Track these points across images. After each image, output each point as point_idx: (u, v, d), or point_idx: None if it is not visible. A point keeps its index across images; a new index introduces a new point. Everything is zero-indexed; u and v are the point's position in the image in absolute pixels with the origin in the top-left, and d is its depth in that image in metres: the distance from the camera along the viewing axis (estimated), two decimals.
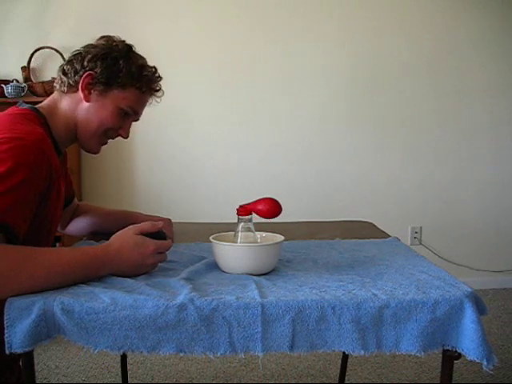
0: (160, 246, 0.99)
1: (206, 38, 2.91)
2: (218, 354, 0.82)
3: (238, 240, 1.05)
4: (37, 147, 0.97)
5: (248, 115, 2.99)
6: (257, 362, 2.11)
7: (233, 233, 1.07)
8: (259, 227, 1.09)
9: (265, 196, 1.07)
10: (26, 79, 2.76)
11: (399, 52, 3.00)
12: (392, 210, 3.06)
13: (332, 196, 3.04)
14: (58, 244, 2.48)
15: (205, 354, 0.82)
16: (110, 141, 1.26)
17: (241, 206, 1.06)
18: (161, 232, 1.02)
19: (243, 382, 1.99)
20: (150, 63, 1.24)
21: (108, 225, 1.36)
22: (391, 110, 3.04)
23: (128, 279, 0.94)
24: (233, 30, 2.93)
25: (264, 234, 1.10)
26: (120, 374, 1.76)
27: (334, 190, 3.04)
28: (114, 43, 1.20)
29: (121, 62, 1.16)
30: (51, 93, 3.08)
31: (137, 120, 1.27)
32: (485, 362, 0.81)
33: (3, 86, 2.66)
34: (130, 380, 1.87)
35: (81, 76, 1.15)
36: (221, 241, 1.03)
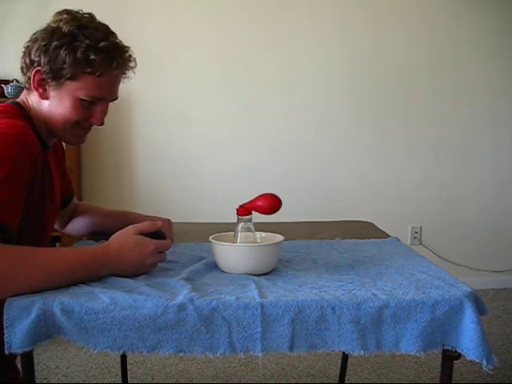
0: (159, 246, 0.99)
1: (206, 38, 2.91)
2: (218, 354, 0.82)
3: (238, 240, 1.05)
4: (18, 139, 0.95)
5: (248, 115, 2.99)
6: (257, 362, 2.11)
7: (232, 233, 1.07)
8: (259, 227, 1.09)
9: (260, 192, 1.07)
10: None
11: (399, 52, 3.00)
12: (392, 210, 3.05)
13: (332, 196, 3.04)
14: (57, 244, 2.48)
15: (204, 354, 0.82)
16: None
17: (240, 206, 1.06)
18: (160, 232, 1.02)
19: (243, 382, 1.99)
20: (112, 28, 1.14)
21: (107, 225, 1.35)
22: (391, 110, 3.04)
23: (128, 279, 0.94)
24: (233, 30, 2.93)
25: (264, 234, 1.10)
26: (120, 374, 1.76)
27: (334, 189, 3.04)
28: (60, 24, 1.07)
29: (62, 51, 1.04)
30: None
31: (111, 101, 1.15)
32: (485, 362, 0.81)
33: (3, 86, 2.66)
34: (129, 380, 1.87)
35: (31, 74, 1.07)
36: (220, 241, 1.03)
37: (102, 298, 0.83)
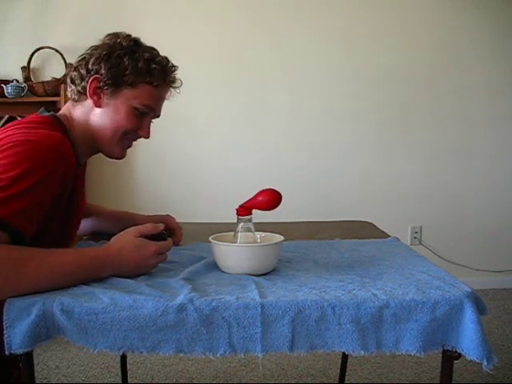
0: (161, 248, 0.99)
1: (207, 38, 2.91)
2: (218, 354, 0.82)
3: (238, 240, 1.05)
4: (54, 150, 0.96)
5: (249, 115, 2.99)
6: (256, 362, 2.11)
7: (232, 233, 1.07)
8: (259, 227, 1.09)
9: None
10: (26, 79, 2.76)
11: (399, 52, 3.00)
12: (392, 210, 3.05)
13: (332, 196, 3.04)
14: None
15: (204, 355, 0.82)
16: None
17: (240, 206, 1.06)
18: (161, 233, 1.02)
19: (243, 382, 1.99)
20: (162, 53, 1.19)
21: (108, 226, 1.35)
22: (391, 110, 3.04)
23: (128, 279, 0.94)
24: (233, 30, 2.92)
25: (264, 234, 1.10)
26: (120, 374, 1.76)
27: (334, 190, 3.04)
28: (118, 40, 1.13)
29: (125, 59, 1.10)
30: (51, 93, 3.05)
31: (157, 117, 1.21)
32: (485, 362, 0.81)
33: (3, 85, 2.66)
34: (129, 380, 1.87)
35: (87, 81, 1.11)
36: (220, 241, 1.03)
37: (102, 299, 0.83)
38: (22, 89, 2.68)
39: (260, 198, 1.05)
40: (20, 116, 2.66)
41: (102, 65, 1.10)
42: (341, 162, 3.04)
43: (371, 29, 2.98)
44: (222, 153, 2.98)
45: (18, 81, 2.73)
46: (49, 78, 2.72)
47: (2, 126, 2.64)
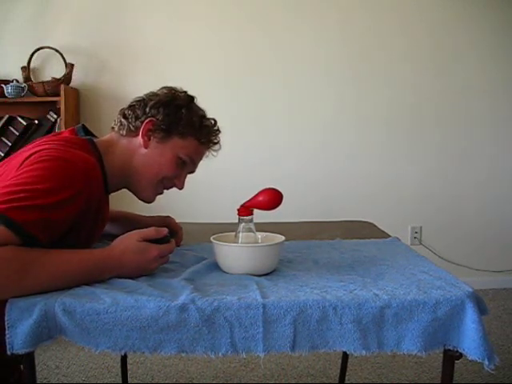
0: (163, 251, 0.99)
1: (207, 38, 2.91)
2: (220, 354, 0.82)
3: (239, 240, 1.05)
4: (84, 173, 0.98)
5: (249, 115, 2.99)
6: (257, 362, 2.11)
7: (234, 233, 1.07)
8: (260, 227, 1.09)
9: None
10: (26, 79, 2.76)
11: (399, 52, 3.00)
12: (392, 210, 3.05)
13: (332, 196, 3.04)
14: None
15: (206, 355, 0.82)
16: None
17: (241, 206, 1.06)
18: (165, 236, 1.01)
19: (243, 382, 1.99)
20: (209, 115, 1.25)
21: (109, 226, 1.35)
22: (391, 110, 3.04)
23: (129, 280, 0.94)
24: (234, 30, 2.93)
25: (265, 235, 1.10)
26: (120, 374, 1.77)
27: (335, 190, 3.04)
28: (177, 93, 1.20)
29: (183, 110, 1.17)
30: (51, 93, 3.04)
31: (192, 172, 1.26)
32: (486, 362, 0.81)
33: (3, 85, 2.66)
34: (130, 380, 1.87)
35: (142, 121, 1.15)
36: (222, 241, 1.03)
37: (104, 299, 0.84)
38: (22, 89, 2.68)
39: (261, 198, 1.05)
40: (20, 116, 2.67)
41: (161, 110, 1.16)
42: (341, 163, 3.04)
43: (371, 29, 2.98)
44: (222, 152, 2.96)
45: (18, 81, 2.73)
46: (49, 78, 2.72)
47: (2, 125, 2.64)
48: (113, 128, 1.21)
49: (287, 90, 2.99)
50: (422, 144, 3.07)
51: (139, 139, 1.16)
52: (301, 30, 2.95)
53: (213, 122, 1.24)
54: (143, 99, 1.19)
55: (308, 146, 3.02)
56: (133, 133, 1.17)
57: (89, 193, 0.99)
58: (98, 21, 2.80)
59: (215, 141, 1.26)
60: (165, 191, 1.26)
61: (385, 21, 2.99)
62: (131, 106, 1.19)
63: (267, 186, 1.09)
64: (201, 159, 1.26)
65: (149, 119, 1.15)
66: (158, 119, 1.15)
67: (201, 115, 1.21)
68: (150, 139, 1.16)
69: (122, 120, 1.18)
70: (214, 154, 1.29)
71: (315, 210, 2.96)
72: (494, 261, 3.13)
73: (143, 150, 1.16)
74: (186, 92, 1.23)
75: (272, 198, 1.06)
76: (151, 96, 1.20)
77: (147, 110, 1.16)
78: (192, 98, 1.22)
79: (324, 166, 3.04)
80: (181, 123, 1.16)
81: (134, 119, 1.17)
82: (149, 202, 1.24)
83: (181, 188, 1.25)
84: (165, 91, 1.21)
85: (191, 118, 1.17)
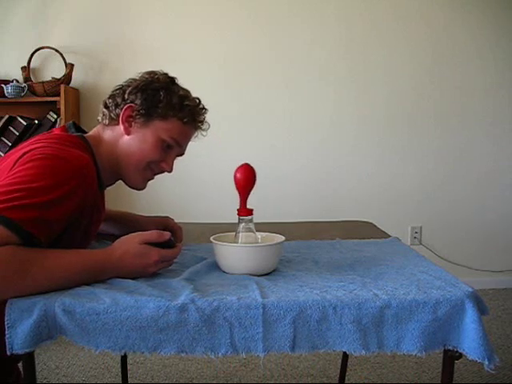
0: (164, 256, 0.98)
1: (207, 38, 2.91)
2: (220, 354, 0.82)
3: (239, 240, 1.05)
4: (78, 170, 0.97)
5: (249, 115, 2.99)
6: (256, 362, 2.11)
7: (233, 233, 1.07)
8: (260, 227, 1.09)
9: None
10: (26, 79, 2.76)
11: (399, 53, 3.00)
12: (392, 210, 3.06)
13: (332, 196, 3.04)
14: None
15: (206, 355, 0.82)
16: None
17: (240, 206, 1.06)
18: (169, 240, 1.00)
19: (243, 382, 1.99)
20: (194, 95, 1.23)
21: (108, 226, 1.35)
22: (391, 110, 3.04)
23: (129, 280, 0.94)
24: (234, 30, 2.93)
25: (264, 235, 1.10)
26: (120, 374, 1.76)
27: (335, 190, 3.04)
28: (156, 76, 1.19)
29: (161, 92, 1.15)
30: (51, 93, 3.05)
31: (181, 154, 1.25)
32: (486, 362, 0.81)
33: (3, 85, 2.66)
34: (130, 380, 1.87)
35: (121, 109, 1.15)
36: (222, 241, 1.03)
37: (104, 299, 0.83)
38: (22, 89, 2.67)
39: (238, 175, 1.07)
40: (20, 116, 2.67)
41: (139, 95, 1.15)
42: (341, 163, 3.04)
43: (371, 29, 2.98)
44: (222, 152, 2.97)
45: (18, 81, 2.73)
46: (49, 78, 2.72)
47: (2, 125, 2.64)
48: (98, 121, 1.21)
49: (287, 90, 2.99)
50: (421, 144, 3.07)
51: (121, 126, 1.15)
52: (301, 30, 2.95)
53: (197, 101, 1.21)
54: (122, 86, 1.19)
55: (308, 145, 3.02)
56: (114, 121, 1.16)
57: (84, 189, 0.99)
58: (98, 21, 2.80)
59: (200, 119, 1.23)
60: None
61: (384, 20, 2.99)
62: (111, 95, 1.19)
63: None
64: (188, 140, 1.24)
65: (127, 105, 1.14)
66: (136, 104, 1.14)
67: (181, 95, 1.18)
68: (131, 125, 1.15)
69: (104, 110, 1.18)
70: (204, 133, 1.27)
71: (315, 210, 2.96)
72: (494, 261, 3.13)
73: (126, 137, 1.16)
74: (166, 74, 1.21)
75: (247, 173, 1.14)
76: (130, 82, 1.19)
77: (126, 96, 1.15)
78: (172, 79, 1.20)
79: (324, 166, 3.04)
80: (160, 105, 1.14)
81: (114, 107, 1.16)
82: (140, 189, 1.23)
83: (170, 171, 1.22)
84: (144, 76, 1.19)
85: (171, 99, 1.15)
